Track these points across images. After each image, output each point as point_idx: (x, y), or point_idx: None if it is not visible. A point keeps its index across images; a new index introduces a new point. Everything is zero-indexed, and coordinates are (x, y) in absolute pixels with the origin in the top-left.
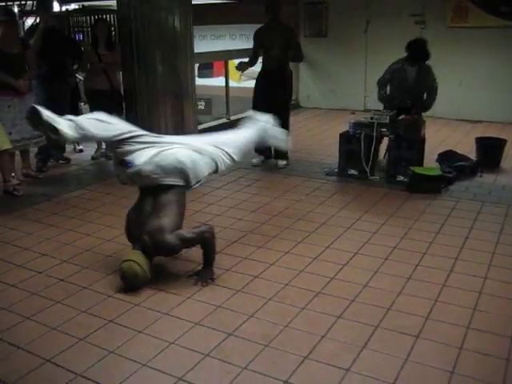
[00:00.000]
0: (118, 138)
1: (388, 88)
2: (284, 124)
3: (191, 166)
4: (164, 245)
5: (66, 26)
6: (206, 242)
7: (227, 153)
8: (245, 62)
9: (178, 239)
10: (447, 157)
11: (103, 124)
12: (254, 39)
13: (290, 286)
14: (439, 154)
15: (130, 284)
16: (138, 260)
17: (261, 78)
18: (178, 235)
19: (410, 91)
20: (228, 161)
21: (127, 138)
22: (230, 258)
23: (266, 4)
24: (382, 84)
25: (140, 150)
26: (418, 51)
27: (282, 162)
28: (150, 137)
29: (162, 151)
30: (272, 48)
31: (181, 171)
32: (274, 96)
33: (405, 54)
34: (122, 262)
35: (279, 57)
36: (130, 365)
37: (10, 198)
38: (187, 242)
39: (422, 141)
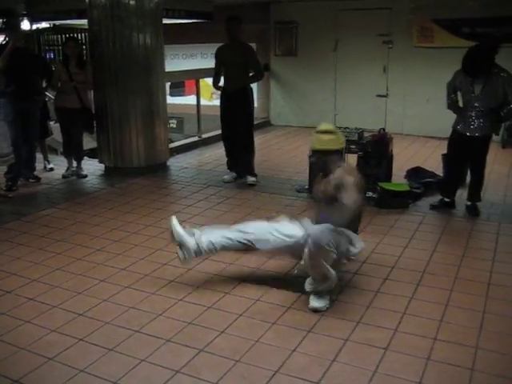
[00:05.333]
0: None
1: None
2: (248, 141)
3: None
4: None
5: (37, 45)
6: None
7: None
8: (213, 85)
9: None
10: (415, 173)
11: None
12: (215, 58)
13: (261, 302)
14: (407, 171)
15: None
16: None
17: (224, 98)
18: None
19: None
20: None
21: None
22: (201, 275)
23: (226, 24)
24: None
25: None
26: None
27: (251, 179)
28: None
29: None
30: (232, 67)
31: None
32: (236, 115)
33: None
34: None
35: (239, 76)
36: (100, 383)
37: None
38: None
39: (390, 157)
